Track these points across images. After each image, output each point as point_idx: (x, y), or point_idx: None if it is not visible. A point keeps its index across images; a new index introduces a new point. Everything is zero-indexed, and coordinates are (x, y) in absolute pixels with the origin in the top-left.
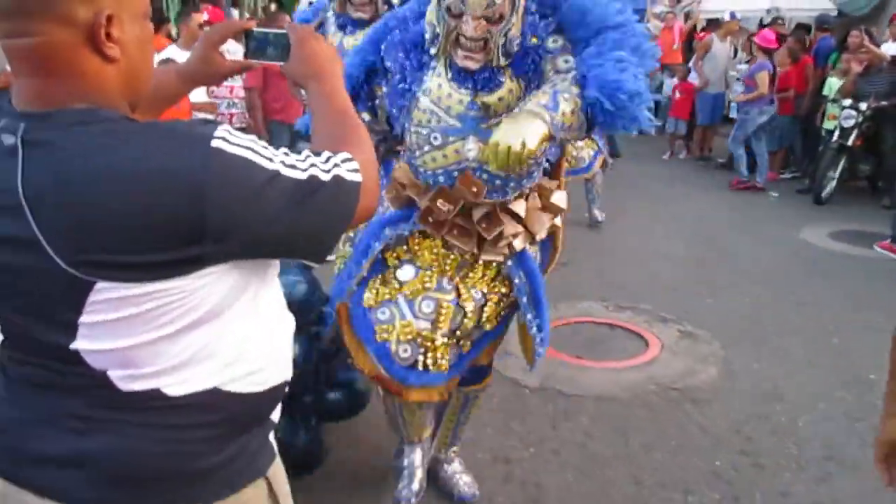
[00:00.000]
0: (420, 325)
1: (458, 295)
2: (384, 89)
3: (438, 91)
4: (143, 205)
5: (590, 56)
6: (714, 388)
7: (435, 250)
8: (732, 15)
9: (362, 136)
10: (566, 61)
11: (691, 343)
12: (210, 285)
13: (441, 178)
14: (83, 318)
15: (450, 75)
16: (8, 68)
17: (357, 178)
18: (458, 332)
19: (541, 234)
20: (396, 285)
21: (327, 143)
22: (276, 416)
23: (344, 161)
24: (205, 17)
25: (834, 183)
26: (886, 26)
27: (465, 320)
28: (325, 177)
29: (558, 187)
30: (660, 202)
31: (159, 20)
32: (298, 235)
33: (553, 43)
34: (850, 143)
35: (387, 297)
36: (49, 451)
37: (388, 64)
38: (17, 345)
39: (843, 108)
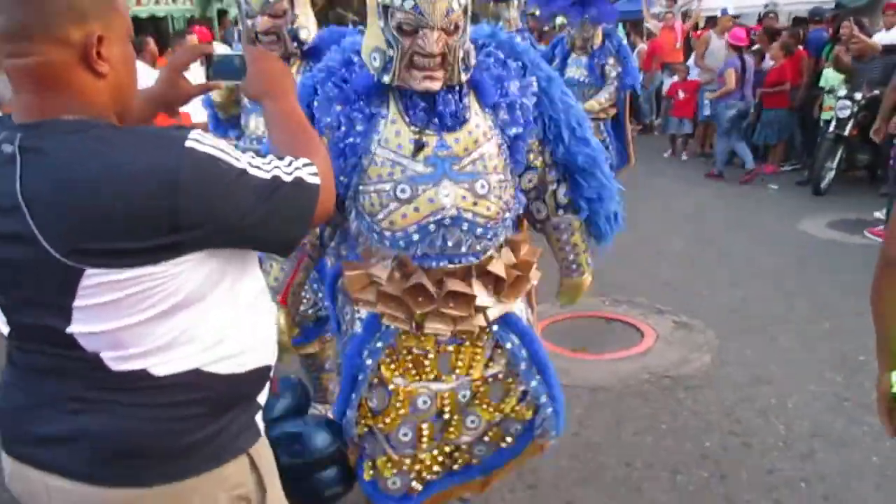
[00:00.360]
0: (403, 452)
1: (441, 409)
2: None
3: (397, 139)
4: (130, 202)
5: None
6: (707, 374)
7: (416, 350)
8: (724, 11)
9: (318, 146)
10: (566, 194)
11: (686, 333)
12: (187, 272)
13: (415, 236)
14: (76, 303)
15: (407, 119)
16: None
17: (316, 180)
18: (449, 436)
19: (518, 302)
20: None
21: (287, 151)
22: (262, 398)
23: (305, 165)
24: (195, 38)
25: (832, 173)
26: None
27: (451, 427)
28: (288, 178)
29: (523, 240)
30: (659, 198)
31: (165, 44)
32: (264, 229)
33: (529, 102)
34: (846, 133)
35: (365, 429)
36: (50, 431)
37: (326, 120)
38: (21, 334)
39: (839, 98)
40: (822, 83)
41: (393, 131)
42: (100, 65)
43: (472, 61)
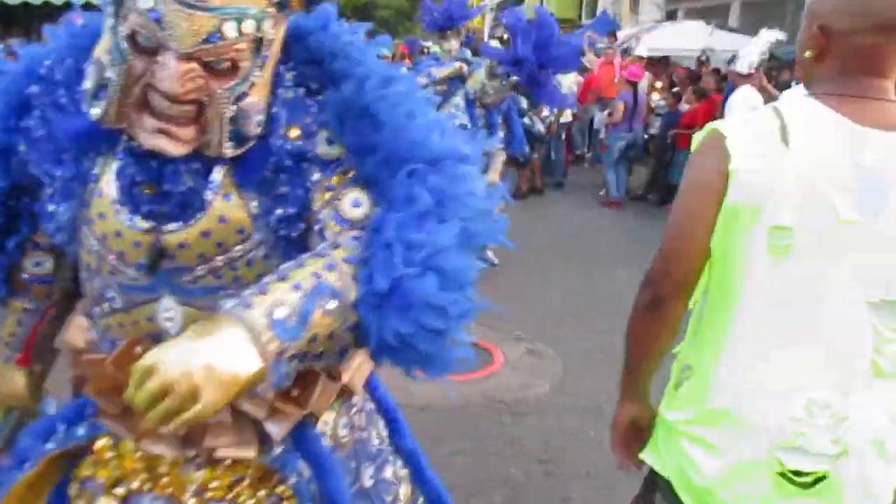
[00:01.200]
0: None
1: None
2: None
3: (103, 224)
4: None
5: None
6: (539, 402)
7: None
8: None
9: None
10: (356, 204)
11: (535, 361)
12: None
13: (140, 349)
14: None
15: (115, 194)
16: None
17: None
18: None
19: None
20: None
21: None
22: None
23: None
24: None
25: None
26: None
27: None
28: None
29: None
30: (555, 223)
31: None
32: None
33: (327, 148)
34: None
35: None
36: None
37: (34, 172)
38: None
39: None
40: None
41: (97, 211)
42: None
43: (253, 130)
